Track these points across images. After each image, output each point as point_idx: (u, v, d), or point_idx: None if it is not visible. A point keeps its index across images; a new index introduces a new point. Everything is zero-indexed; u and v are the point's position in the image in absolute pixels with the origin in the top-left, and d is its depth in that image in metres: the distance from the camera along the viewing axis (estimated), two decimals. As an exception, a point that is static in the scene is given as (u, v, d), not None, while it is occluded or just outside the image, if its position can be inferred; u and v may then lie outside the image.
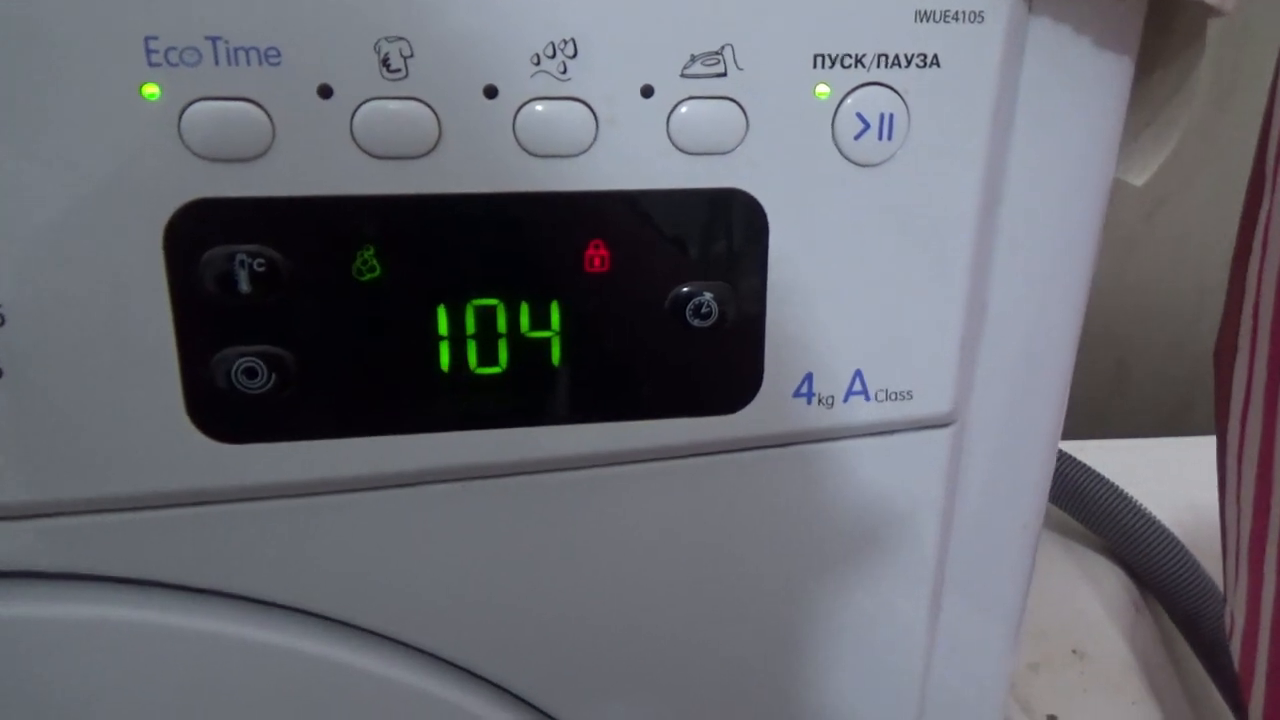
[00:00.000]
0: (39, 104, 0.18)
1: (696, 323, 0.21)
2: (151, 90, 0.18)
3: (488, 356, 0.21)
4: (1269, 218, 0.27)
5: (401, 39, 0.19)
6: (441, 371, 0.21)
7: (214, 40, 0.18)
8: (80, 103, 0.18)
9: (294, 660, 0.22)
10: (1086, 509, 0.43)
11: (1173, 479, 0.44)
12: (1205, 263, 0.66)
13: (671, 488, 0.23)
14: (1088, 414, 0.70)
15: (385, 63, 0.19)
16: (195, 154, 0.19)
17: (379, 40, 0.18)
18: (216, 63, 0.18)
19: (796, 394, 0.22)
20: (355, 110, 0.19)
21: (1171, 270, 0.67)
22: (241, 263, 0.19)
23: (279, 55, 0.18)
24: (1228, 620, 0.32)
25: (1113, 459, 0.45)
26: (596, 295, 0.21)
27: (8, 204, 0.18)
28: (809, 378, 0.22)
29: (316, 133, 0.19)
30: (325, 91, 0.19)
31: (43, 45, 0.18)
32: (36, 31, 0.18)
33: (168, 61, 0.18)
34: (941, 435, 0.24)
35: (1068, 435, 0.50)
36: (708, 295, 0.21)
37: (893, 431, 0.23)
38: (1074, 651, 0.37)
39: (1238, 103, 0.61)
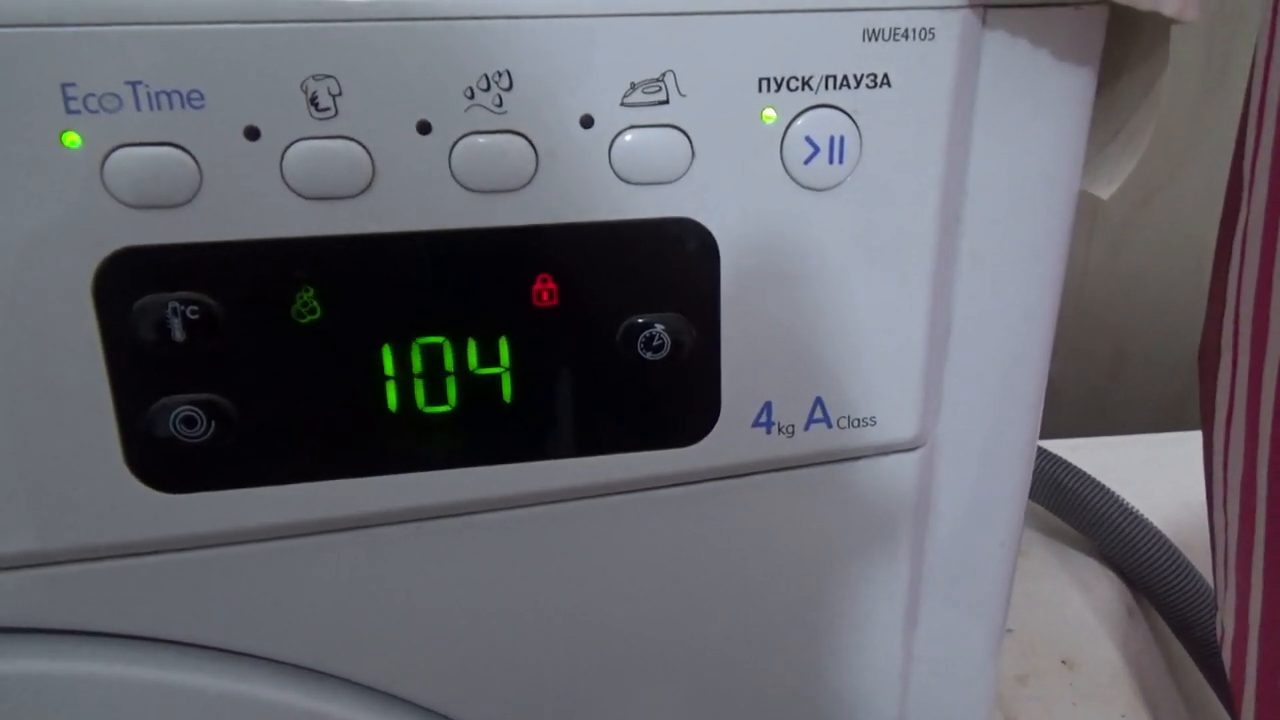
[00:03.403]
0: (-43, 156, 0.17)
1: (649, 355, 0.21)
2: (72, 138, 0.18)
3: (436, 395, 0.20)
4: (1247, 223, 0.26)
5: (329, 77, 0.18)
6: (389, 412, 0.20)
7: (134, 85, 0.17)
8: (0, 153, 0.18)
9: (249, 707, 0.22)
10: (1076, 512, 0.42)
11: (1166, 477, 0.43)
12: (1201, 248, 0.65)
13: (631, 521, 0.22)
14: (1086, 406, 0.70)
15: (313, 101, 0.18)
16: (121, 201, 0.18)
17: (306, 79, 0.18)
18: (138, 108, 0.18)
19: (756, 424, 0.22)
20: (285, 151, 0.18)
21: (1167, 257, 0.66)
22: (175, 310, 0.19)
23: (202, 98, 0.18)
24: (1219, 627, 0.31)
25: (1104, 457, 0.44)
26: (546, 329, 0.20)
27: (-69, 258, 0.18)
28: (768, 407, 0.22)
29: (245, 175, 0.18)
30: (252, 133, 0.18)
31: (-40, 94, 0.17)
32: (-48, 81, 0.17)
33: (87, 108, 0.17)
34: (909, 459, 0.23)
35: (1065, 430, 0.50)
36: (659, 327, 0.20)
37: (858, 458, 0.23)
38: (1063, 662, 0.37)
39: (1231, 88, 0.60)
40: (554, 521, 0.22)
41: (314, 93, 0.18)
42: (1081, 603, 0.40)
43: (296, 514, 0.21)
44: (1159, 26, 0.21)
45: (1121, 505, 0.41)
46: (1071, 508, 0.42)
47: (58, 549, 0.20)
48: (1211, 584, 0.34)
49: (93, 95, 0.17)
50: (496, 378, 0.21)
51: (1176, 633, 0.40)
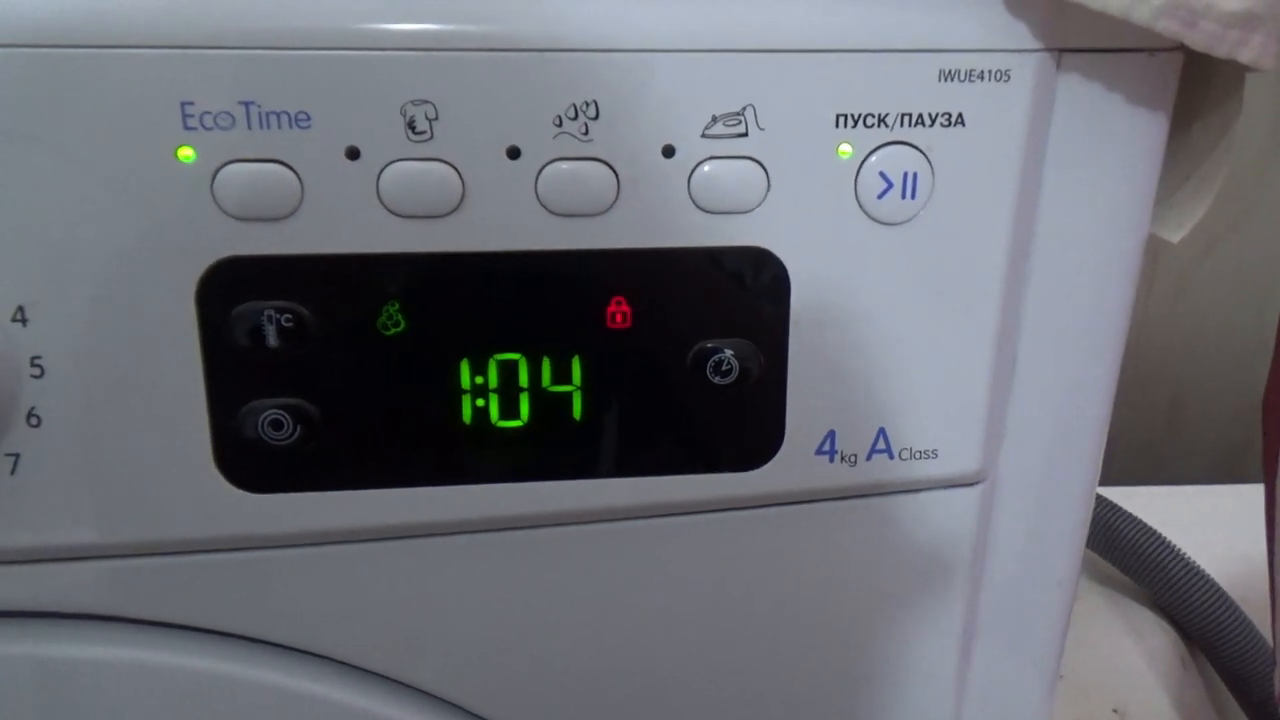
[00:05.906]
0: (80, 165, 0.19)
1: (717, 379, 0.21)
2: (187, 153, 0.19)
3: (510, 410, 0.21)
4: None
5: (427, 102, 0.19)
6: (464, 425, 0.21)
7: (247, 105, 0.19)
8: (119, 164, 0.19)
9: (320, 707, 0.22)
10: (1131, 560, 0.41)
11: (1224, 528, 0.42)
12: (1264, 297, 0.64)
13: (692, 543, 0.23)
14: (1141, 455, 0.68)
15: (411, 125, 0.19)
16: (227, 213, 0.19)
17: (405, 104, 0.19)
18: (249, 126, 0.19)
19: (819, 451, 0.22)
20: (381, 171, 0.19)
21: (1228, 307, 0.65)
22: (270, 318, 0.20)
23: (309, 119, 0.19)
24: (1277, 682, 0.30)
25: (1161, 506, 0.44)
26: (618, 351, 0.21)
27: (48, 260, 0.19)
28: (831, 435, 0.22)
29: (344, 193, 0.19)
30: (353, 153, 0.19)
31: (85, 108, 0.18)
32: (79, 96, 0.18)
33: (203, 125, 0.19)
34: (970, 494, 0.23)
35: (1120, 479, 0.49)
36: (729, 352, 0.21)
37: (918, 490, 0.23)
38: (1115, 710, 0.36)
39: (1297, 137, 0.59)
40: (614, 539, 0.23)
41: (412, 117, 0.19)
42: (1135, 651, 0.39)
43: (372, 518, 0.21)
44: (1234, 74, 0.21)
45: (1177, 555, 0.41)
46: (1126, 555, 0.42)
47: (143, 541, 0.21)
48: (1270, 639, 0.34)
49: (209, 113, 0.18)
50: (568, 395, 0.21)
51: (1231, 687, 0.39)
